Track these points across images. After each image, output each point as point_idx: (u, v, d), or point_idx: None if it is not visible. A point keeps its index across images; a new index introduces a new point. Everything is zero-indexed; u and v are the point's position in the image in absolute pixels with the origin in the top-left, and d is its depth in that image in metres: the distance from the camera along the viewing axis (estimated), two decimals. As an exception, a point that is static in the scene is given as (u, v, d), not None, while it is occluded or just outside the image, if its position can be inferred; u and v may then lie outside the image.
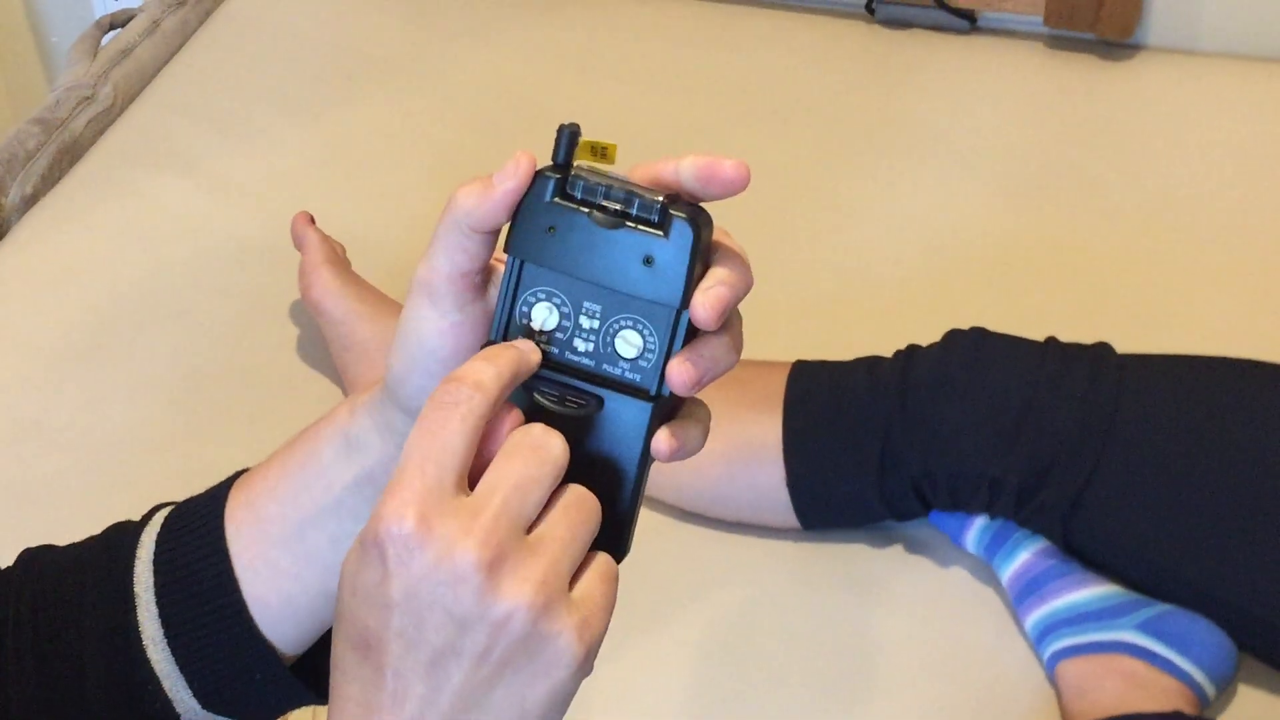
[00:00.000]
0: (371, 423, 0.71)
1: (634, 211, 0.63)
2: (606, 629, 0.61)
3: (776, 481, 1.24)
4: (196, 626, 0.74)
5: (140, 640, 0.74)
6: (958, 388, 1.21)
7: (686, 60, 1.90)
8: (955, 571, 1.27)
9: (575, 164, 0.64)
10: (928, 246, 1.60)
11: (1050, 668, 1.18)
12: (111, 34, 1.92)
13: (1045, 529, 1.21)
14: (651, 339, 0.63)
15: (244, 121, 1.80)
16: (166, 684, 0.74)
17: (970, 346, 1.23)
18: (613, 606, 0.61)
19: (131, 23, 1.91)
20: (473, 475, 0.61)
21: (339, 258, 1.46)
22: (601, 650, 0.61)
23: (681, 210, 0.62)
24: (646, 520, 0.66)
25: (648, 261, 0.62)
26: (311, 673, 0.77)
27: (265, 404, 1.44)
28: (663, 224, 0.62)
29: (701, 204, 0.64)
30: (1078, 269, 1.57)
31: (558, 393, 0.64)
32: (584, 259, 0.63)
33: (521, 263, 0.64)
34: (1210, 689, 1.15)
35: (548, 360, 0.64)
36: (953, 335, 1.25)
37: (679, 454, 0.64)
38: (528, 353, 0.64)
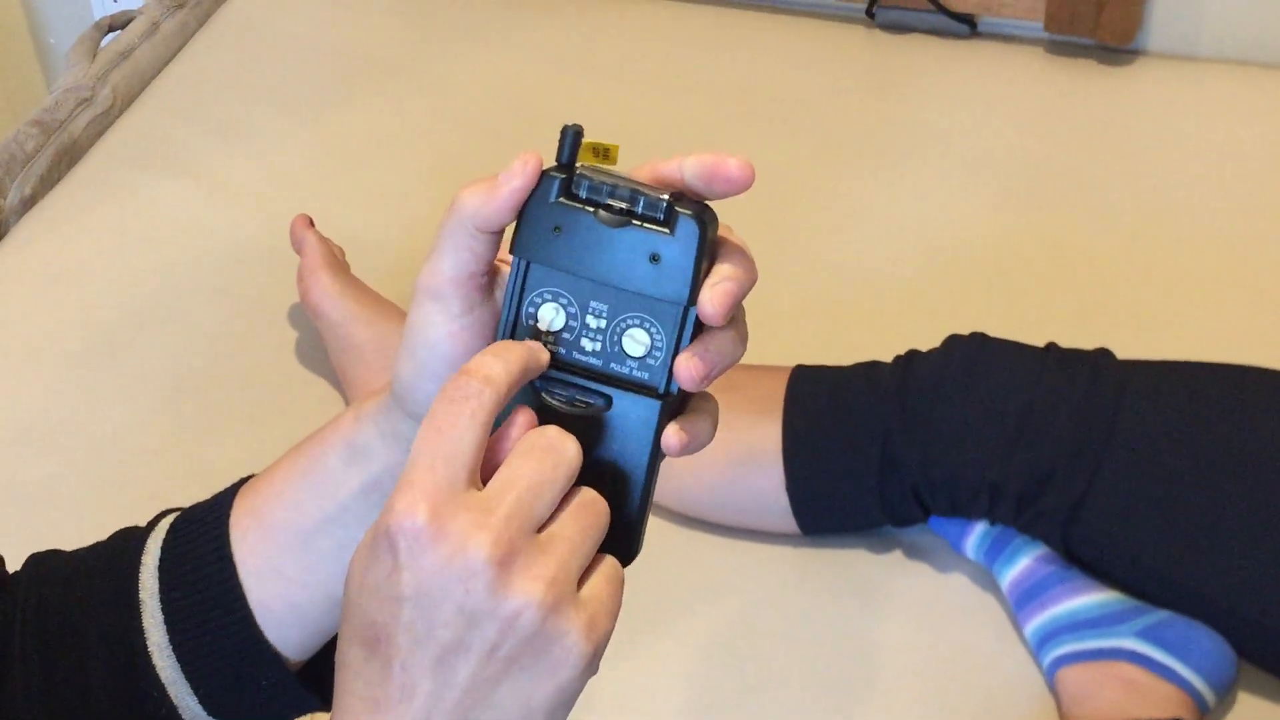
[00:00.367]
0: (377, 430, 0.71)
1: (639, 210, 0.63)
2: (613, 630, 0.61)
3: (776, 486, 1.24)
4: (202, 633, 0.74)
5: (145, 646, 0.74)
6: (957, 393, 1.21)
7: (686, 63, 1.90)
8: (955, 577, 1.27)
9: (580, 164, 0.64)
10: (928, 251, 1.60)
11: (1050, 674, 1.18)
12: (110, 36, 1.92)
13: (1045, 535, 1.21)
14: (659, 336, 0.64)
15: (243, 123, 1.80)
16: (172, 690, 0.74)
17: (970, 352, 1.23)
18: (619, 608, 0.61)
19: (131, 25, 1.91)
20: (482, 473, 0.61)
21: (338, 260, 1.46)
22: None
23: (687, 207, 0.62)
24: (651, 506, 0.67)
25: (654, 259, 0.63)
26: (317, 679, 0.77)
27: (264, 406, 1.44)
28: (668, 221, 0.62)
29: (707, 202, 0.64)
30: (1078, 274, 1.57)
31: (566, 393, 0.64)
32: (590, 258, 0.63)
33: (528, 263, 0.64)
34: (1210, 696, 1.15)
35: (555, 360, 0.65)
36: (952, 340, 1.25)
37: (689, 448, 0.64)
38: (537, 351, 0.64)
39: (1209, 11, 1.85)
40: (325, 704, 0.77)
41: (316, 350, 1.48)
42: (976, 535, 1.24)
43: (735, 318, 0.64)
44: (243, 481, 0.77)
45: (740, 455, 1.25)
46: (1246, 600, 1.15)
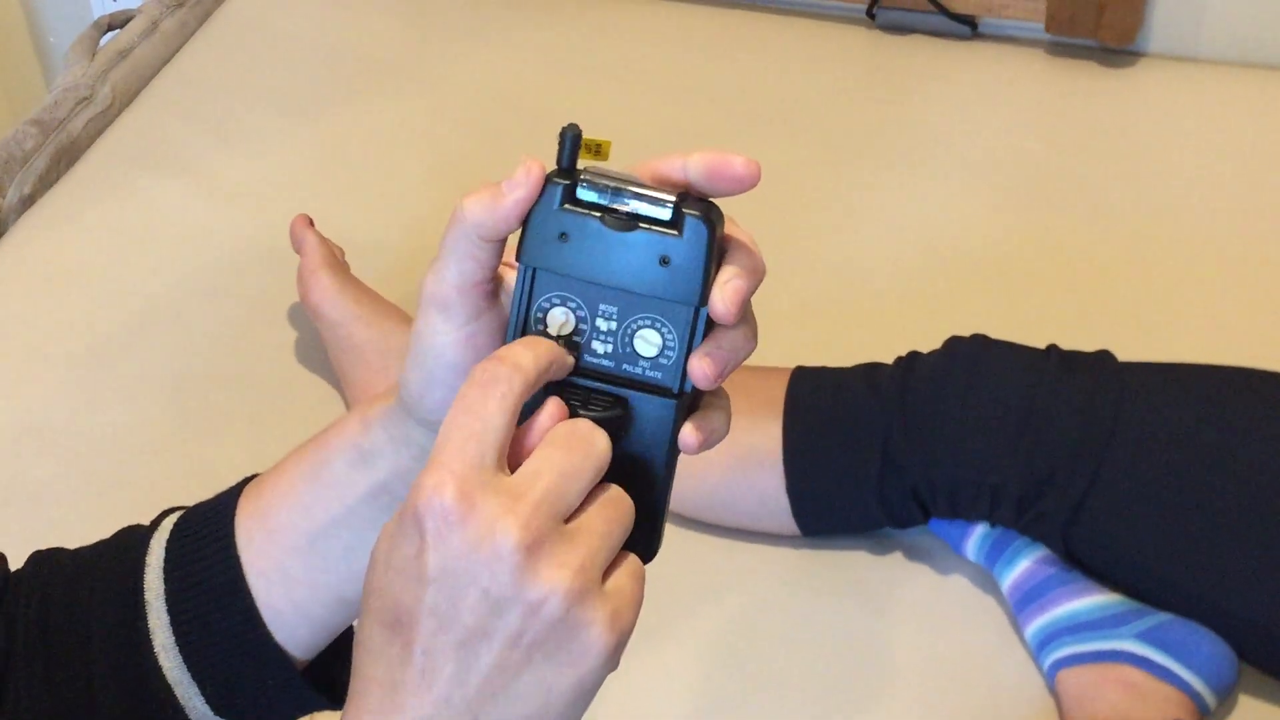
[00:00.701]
0: (386, 435, 0.71)
1: (646, 213, 0.62)
2: (635, 624, 0.61)
3: (777, 488, 1.24)
4: (208, 633, 0.74)
5: (151, 647, 0.74)
6: (958, 395, 1.21)
7: (686, 64, 1.90)
8: (955, 579, 1.27)
9: (582, 167, 0.64)
10: (928, 252, 1.60)
11: (1050, 676, 1.18)
12: (110, 35, 1.92)
13: (1046, 537, 1.21)
14: (670, 337, 0.64)
15: (243, 123, 1.80)
16: (178, 690, 0.74)
17: (971, 354, 1.23)
18: (640, 604, 0.61)
19: (130, 24, 1.91)
20: (511, 463, 0.61)
21: (338, 261, 1.46)
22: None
23: (694, 208, 0.62)
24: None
25: (663, 261, 0.62)
26: (324, 678, 0.77)
27: (263, 406, 1.44)
28: (676, 223, 0.62)
29: (712, 200, 0.64)
30: (1078, 276, 1.57)
31: (581, 397, 0.64)
32: (598, 263, 0.63)
33: (534, 270, 0.64)
34: (1210, 698, 1.15)
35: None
36: (953, 342, 1.25)
37: (707, 444, 0.64)
38: (564, 354, 0.64)
39: (1210, 13, 1.85)
40: (332, 703, 0.77)
41: (316, 350, 1.48)
42: (977, 537, 1.24)
43: (745, 314, 0.64)
44: (246, 481, 0.77)
45: (741, 456, 1.25)
46: (1247, 602, 1.15)
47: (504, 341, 0.65)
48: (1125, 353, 1.25)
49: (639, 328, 0.64)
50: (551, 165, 0.64)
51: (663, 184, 0.64)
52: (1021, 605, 1.21)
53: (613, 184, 0.63)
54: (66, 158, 1.73)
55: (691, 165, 0.63)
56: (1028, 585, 1.21)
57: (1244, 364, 1.24)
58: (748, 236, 0.64)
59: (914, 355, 1.26)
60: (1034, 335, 1.26)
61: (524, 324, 0.65)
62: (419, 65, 1.90)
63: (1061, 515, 1.18)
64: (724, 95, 1.84)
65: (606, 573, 0.61)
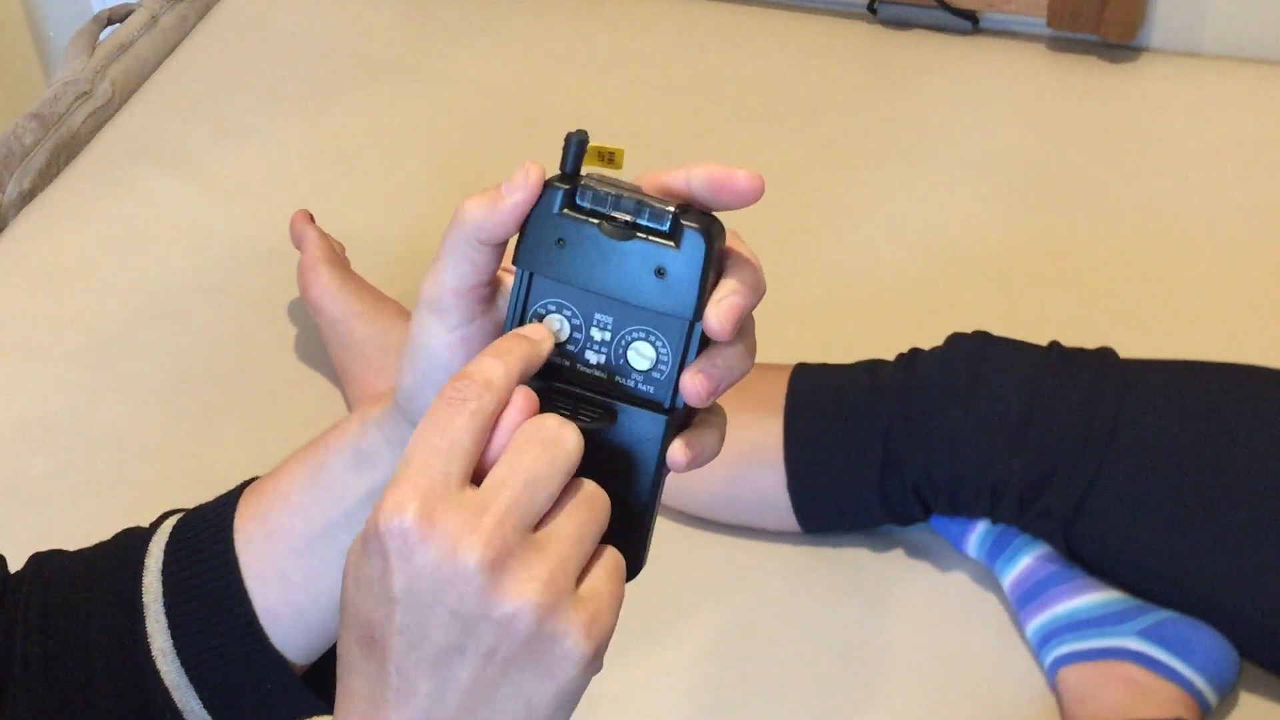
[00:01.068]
0: (383, 437, 0.71)
1: (644, 222, 0.62)
2: (615, 625, 0.60)
3: (777, 485, 1.24)
4: (206, 637, 0.74)
5: (149, 650, 0.74)
6: (960, 392, 1.21)
7: (685, 59, 1.90)
8: (956, 576, 1.27)
9: (584, 174, 0.63)
10: (930, 249, 1.60)
11: (1051, 674, 1.18)
12: (110, 29, 1.92)
13: (1047, 534, 1.21)
14: (664, 350, 0.63)
15: (243, 118, 1.79)
16: (176, 694, 0.74)
17: (972, 350, 1.23)
18: (621, 602, 0.61)
19: (130, 18, 1.91)
20: (482, 468, 0.60)
21: (338, 256, 1.46)
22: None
23: (693, 220, 0.62)
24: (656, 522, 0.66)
25: (659, 273, 0.62)
26: (323, 682, 0.77)
27: (263, 403, 1.44)
28: (674, 234, 0.61)
29: (713, 214, 0.63)
30: (1080, 272, 1.57)
31: (570, 405, 0.63)
32: (594, 271, 0.63)
33: (531, 275, 0.64)
34: (1212, 696, 1.15)
35: (559, 373, 0.64)
36: (955, 339, 1.25)
37: (695, 463, 0.64)
38: (539, 342, 0.63)
39: (1212, 7, 1.85)
40: (330, 707, 0.77)
41: (316, 346, 1.48)
42: (978, 534, 1.24)
43: (743, 331, 0.64)
44: (246, 484, 0.77)
45: (742, 453, 1.25)
46: (1248, 599, 1.15)
47: None
48: (1127, 349, 1.25)
49: (633, 340, 0.63)
50: (555, 168, 0.64)
51: (666, 195, 0.63)
52: (1023, 602, 1.21)
53: (612, 191, 0.62)
54: (66, 153, 1.73)
55: (694, 178, 0.62)
56: (1029, 582, 1.21)
57: (1246, 361, 1.24)
58: (750, 253, 0.64)
59: (915, 352, 1.26)
60: (1035, 332, 1.26)
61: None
62: (420, 61, 1.90)
63: (1063, 512, 1.18)
64: (724, 90, 1.84)
65: (583, 574, 0.60)
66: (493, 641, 0.58)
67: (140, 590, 0.75)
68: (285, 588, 0.74)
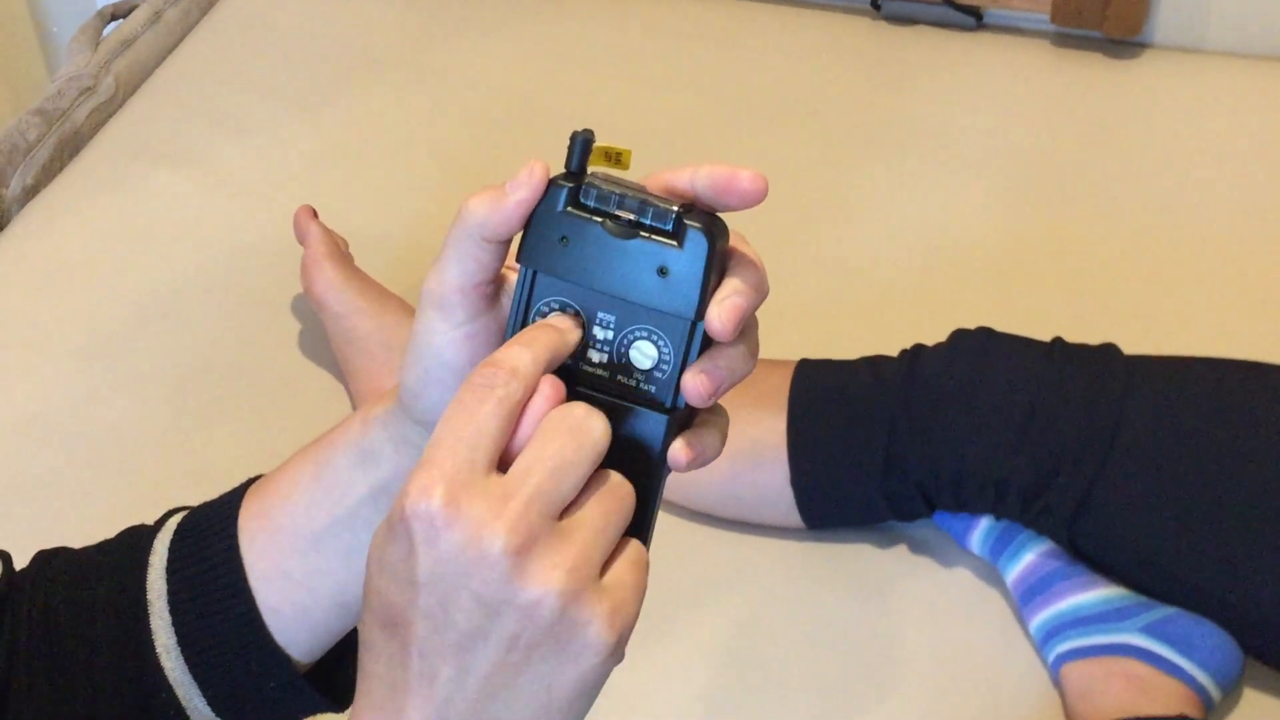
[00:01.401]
0: (386, 435, 0.71)
1: (648, 221, 0.62)
2: (637, 616, 0.61)
3: (780, 481, 1.24)
4: (210, 635, 0.74)
5: (153, 648, 0.74)
6: (963, 388, 1.21)
7: (689, 56, 1.90)
8: (959, 573, 1.27)
9: (589, 171, 0.64)
10: (933, 245, 1.60)
11: (1054, 670, 1.19)
12: (113, 24, 1.92)
13: (1051, 530, 1.21)
14: (666, 350, 0.63)
15: (247, 114, 1.79)
16: (180, 692, 0.74)
17: (976, 346, 1.23)
18: (644, 594, 0.61)
19: (133, 13, 1.91)
20: (508, 455, 0.60)
21: (342, 252, 1.46)
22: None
23: (696, 220, 0.62)
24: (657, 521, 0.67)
25: (662, 272, 0.62)
26: (326, 680, 0.77)
27: (266, 399, 1.44)
28: (677, 234, 0.62)
29: (717, 214, 0.64)
30: (1084, 269, 1.57)
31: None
32: (598, 269, 0.63)
33: (534, 273, 0.64)
34: (1215, 692, 1.15)
35: (562, 370, 0.64)
36: (958, 335, 1.25)
37: (697, 463, 0.64)
38: (565, 332, 0.63)
39: (1217, 3, 1.85)
40: (334, 705, 0.77)
41: (320, 342, 1.48)
42: (981, 530, 1.24)
43: (745, 332, 0.64)
44: (250, 482, 0.77)
45: (744, 449, 1.25)
46: (1253, 595, 1.15)
47: (501, 343, 0.65)
48: (1131, 346, 1.25)
49: (635, 339, 0.63)
50: (559, 167, 0.64)
51: (671, 195, 0.63)
52: (1026, 599, 1.21)
53: (617, 190, 0.63)
54: (69, 148, 1.73)
55: (699, 178, 0.63)
56: (1032, 579, 1.21)
57: (1250, 357, 1.24)
58: (753, 254, 0.64)
59: (919, 348, 1.26)
60: (1039, 328, 1.26)
61: (523, 327, 0.64)
62: (424, 57, 1.90)
63: (1066, 509, 1.18)
64: (727, 87, 1.84)
65: (607, 564, 0.60)
66: (516, 628, 0.58)
67: (145, 588, 0.75)
68: (288, 585, 0.74)
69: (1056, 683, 1.19)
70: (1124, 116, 1.79)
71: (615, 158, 0.64)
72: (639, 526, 0.64)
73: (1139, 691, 1.14)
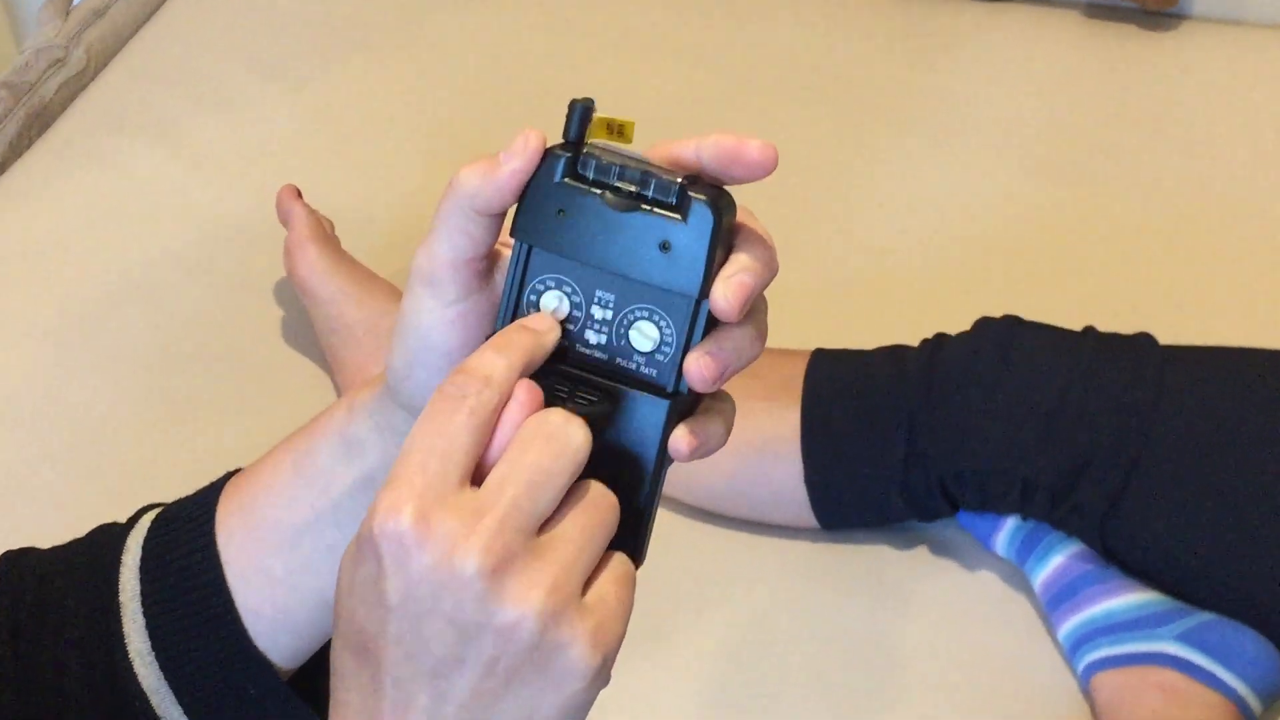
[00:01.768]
0: (372, 423, 0.71)
1: (650, 193, 0.62)
2: (623, 635, 0.60)
3: (794, 478, 1.24)
4: (186, 639, 0.74)
5: (126, 653, 0.74)
6: (989, 380, 1.21)
7: (697, 29, 1.89)
8: (984, 576, 1.27)
9: (589, 142, 0.63)
10: (956, 228, 1.60)
11: (1084, 680, 1.19)
12: (85, -8, 1.91)
13: (1081, 532, 1.21)
14: (669, 331, 0.63)
15: (226, 87, 1.79)
16: (154, 699, 0.74)
17: (1002, 335, 1.23)
18: (630, 611, 0.60)
19: (106, -20, 1.91)
20: (483, 467, 0.60)
21: (327, 234, 1.46)
22: (610, 656, 0.61)
23: (701, 192, 0.61)
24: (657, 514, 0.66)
25: (664, 247, 0.62)
26: (310, 688, 0.77)
27: (247, 390, 1.44)
28: (680, 207, 0.61)
29: (724, 186, 0.63)
30: (1116, 253, 1.57)
31: (567, 388, 0.63)
32: (596, 244, 0.62)
33: (529, 248, 0.64)
34: (1255, 703, 1.16)
35: (557, 353, 0.64)
36: (983, 323, 1.25)
37: (699, 453, 0.63)
38: (544, 334, 0.63)
39: (1258, -27, 1.85)
40: (318, 713, 0.76)
41: (304, 329, 1.48)
42: (1007, 531, 1.24)
43: (753, 313, 0.63)
44: (230, 475, 0.77)
45: (755, 444, 1.25)
46: (1295, 602, 1.15)
47: (495, 325, 0.65)
48: (1166, 335, 1.24)
49: (636, 319, 0.63)
50: (558, 138, 0.64)
51: (675, 167, 0.63)
52: (1054, 604, 1.21)
53: (617, 160, 0.62)
54: (38, 123, 1.73)
55: (704, 149, 0.62)
56: (1061, 583, 1.21)
57: (1293, 348, 1.24)
58: (762, 229, 0.63)
59: (941, 337, 1.26)
60: (1069, 316, 1.26)
61: (516, 306, 0.64)
62: (414, 26, 1.90)
63: (1098, 508, 1.18)
64: (737, 61, 1.83)
65: (589, 580, 0.60)
66: (494, 652, 0.58)
67: (117, 589, 0.74)
68: (269, 585, 0.73)
69: (1087, 694, 1.19)
70: (1159, 92, 1.78)
71: (618, 130, 0.64)
72: (637, 523, 0.63)
73: (1174, 704, 1.14)
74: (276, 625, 0.74)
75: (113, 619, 0.74)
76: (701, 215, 0.61)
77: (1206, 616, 1.18)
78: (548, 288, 0.64)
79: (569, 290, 0.64)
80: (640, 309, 0.63)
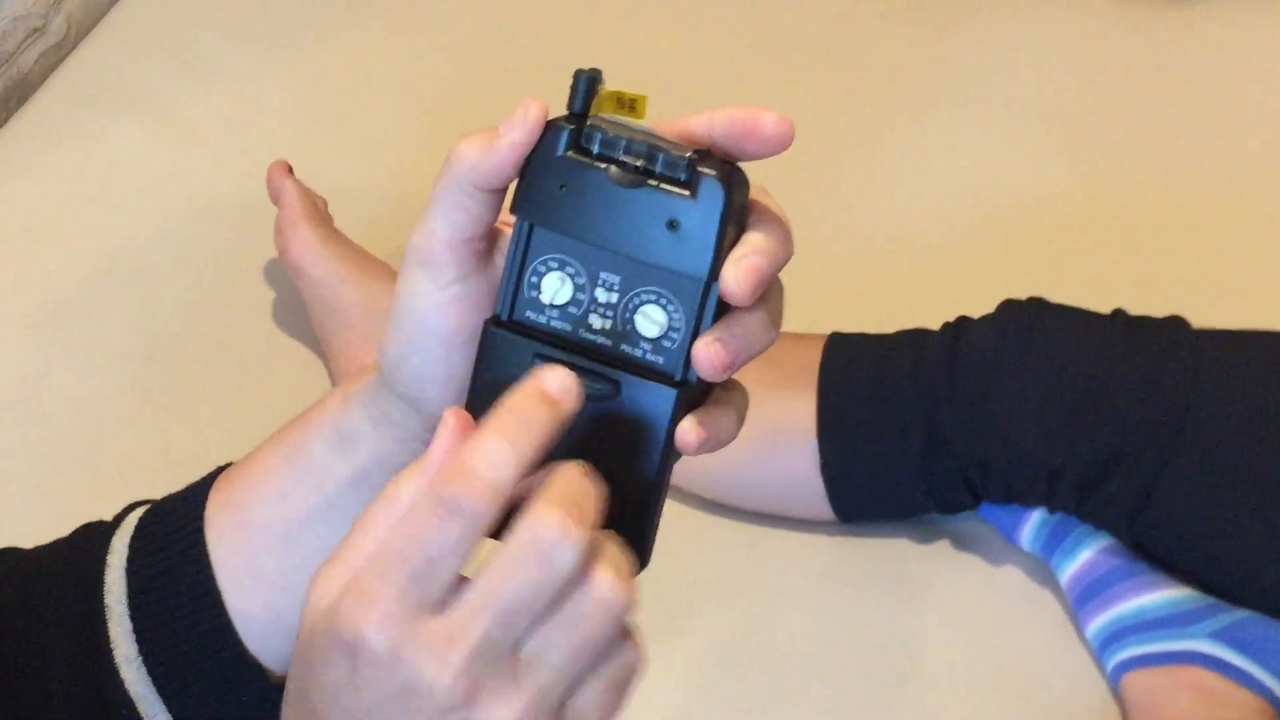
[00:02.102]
0: (366, 414, 0.70)
1: (657, 168, 0.61)
2: None
3: (810, 469, 1.24)
4: (175, 642, 0.73)
5: (112, 658, 0.74)
6: (1013, 365, 1.20)
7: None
8: (1008, 571, 1.27)
9: (594, 115, 0.63)
10: (978, 206, 1.59)
11: (1114, 680, 1.19)
12: (65, -42, 1.91)
13: (1110, 525, 1.21)
14: (676, 315, 0.62)
15: (213, 57, 1.79)
16: (141, 706, 0.74)
17: (1027, 319, 1.23)
18: (622, 709, 0.60)
19: (87, -54, 1.91)
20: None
21: (320, 213, 1.45)
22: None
23: (712, 167, 0.61)
24: (663, 510, 0.66)
25: (672, 226, 0.61)
26: None
27: (237, 376, 1.44)
28: (690, 182, 0.61)
29: (738, 163, 0.63)
30: (1146, 233, 1.57)
31: None
32: (600, 222, 0.62)
33: (531, 226, 0.63)
34: (1293, 705, 1.16)
35: (559, 339, 0.63)
36: (1007, 306, 1.25)
37: (708, 446, 0.63)
38: (561, 403, 0.59)
39: (1294, -63, 1.84)
40: None
41: (296, 312, 1.48)
42: (1033, 524, 1.24)
43: (766, 297, 0.63)
44: (219, 471, 0.76)
45: (769, 433, 1.25)
46: (1334, 598, 1.15)
47: (495, 307, 0.64)
48: (1199, 318, 1.24)
49: (642, 303, 0.62)
50: (561, 110, 0.63)
51: (687, 141, 0.62)
52: (1082, 601, 1.21)
53: (623, 132, 0.62)
54: (16, 96, 1.72)
55: (716, 123, 0.62)
56: (1089, 578, 1.21)
57: (1333, 331, 1.24)
58: (777, 208, 0.63)
59: (963, 321, 1.25)
60: (1097, 299, 1.26)
61: (516, 289, 0.63)
62: (410, -7, 1.90)
63: (1128, 501, 1.18)
64: (746, 28, 1.83)
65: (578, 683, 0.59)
66: None
67: (102, 591, 0.74)
68: (261, 586, 0.73)
69: (1116, 694, 1.19)
70: (1191, 63, 1.78)
71: (629, 105, 0.63)
72: (641, 520, 0.63)
73: (1209, 705, 1.14)
74: (269, 628, 0.73)
75: (98, 623, 0.74)
76: (711, 192, 0.61)
77: (1242, 614, 1.18)
78: (550, 269, 0.63)
79: (572, 272, 0.63)
80: (646, 292, 0.62)
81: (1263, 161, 1.64)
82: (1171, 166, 1.64)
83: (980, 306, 1.26)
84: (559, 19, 1.85)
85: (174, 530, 0.75)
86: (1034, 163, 1.65)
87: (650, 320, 0.63)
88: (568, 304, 0.63)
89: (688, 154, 0.61)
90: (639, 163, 0.62)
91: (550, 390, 0.59)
